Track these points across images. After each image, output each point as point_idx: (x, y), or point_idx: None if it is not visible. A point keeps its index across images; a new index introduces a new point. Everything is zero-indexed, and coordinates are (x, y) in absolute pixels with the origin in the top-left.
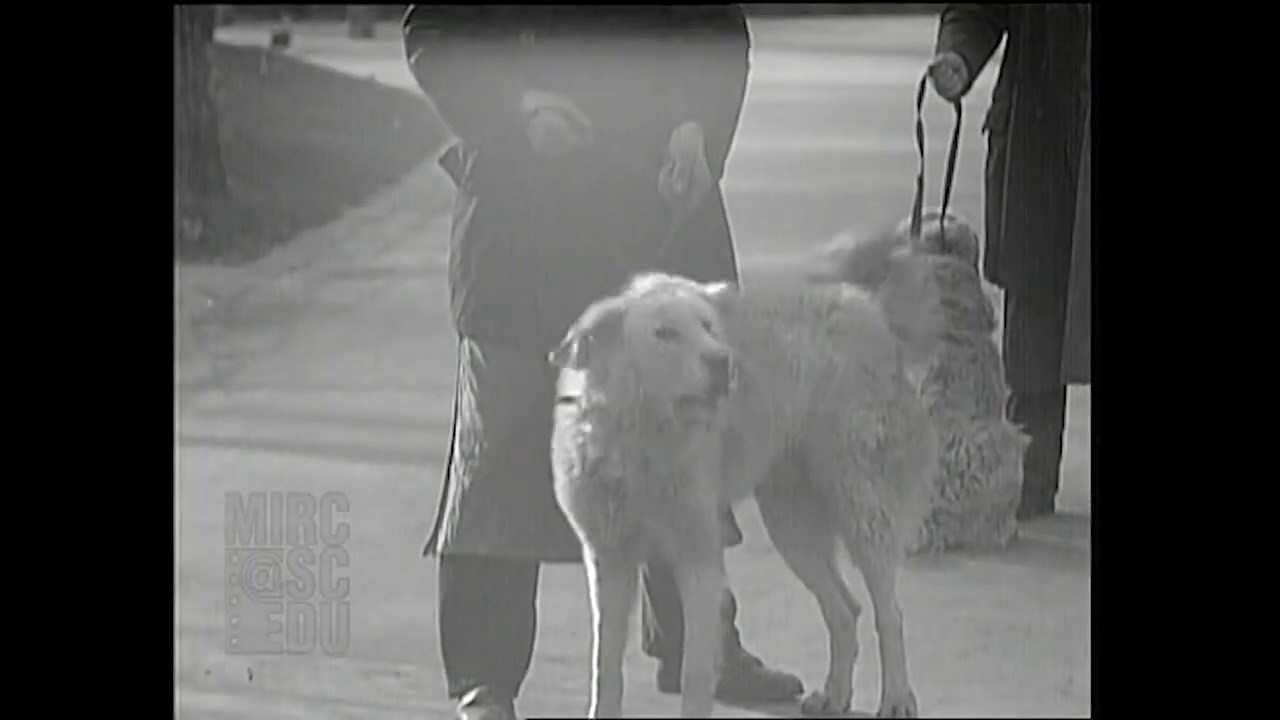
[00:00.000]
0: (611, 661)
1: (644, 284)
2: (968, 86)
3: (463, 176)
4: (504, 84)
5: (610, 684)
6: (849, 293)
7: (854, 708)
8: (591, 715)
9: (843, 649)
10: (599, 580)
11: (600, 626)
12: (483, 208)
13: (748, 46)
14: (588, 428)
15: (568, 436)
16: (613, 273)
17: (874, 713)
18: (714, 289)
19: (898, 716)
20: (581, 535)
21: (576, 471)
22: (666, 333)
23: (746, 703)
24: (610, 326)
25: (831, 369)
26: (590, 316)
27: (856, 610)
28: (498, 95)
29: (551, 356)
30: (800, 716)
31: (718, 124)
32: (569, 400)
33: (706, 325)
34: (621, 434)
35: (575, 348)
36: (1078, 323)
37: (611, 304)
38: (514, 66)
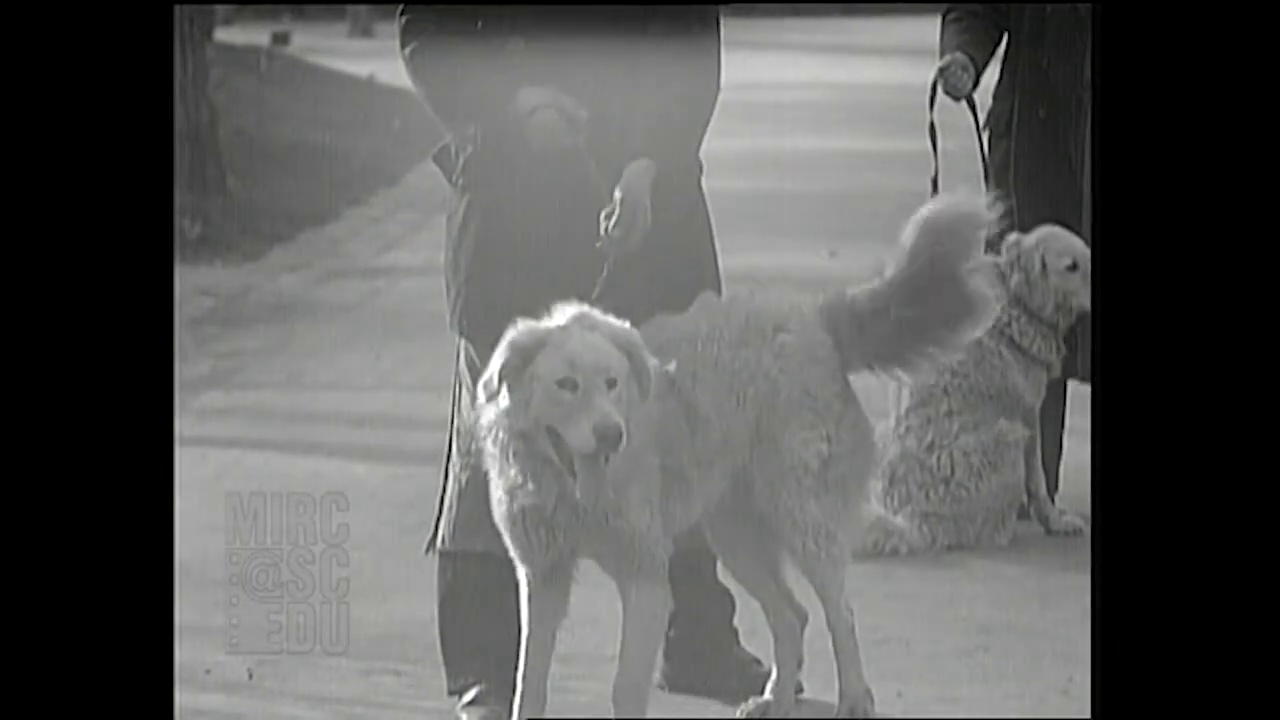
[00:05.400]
0: (536, 676)
1: (564, 315)
2: (975, 86)
3: (454, 173)
4: (498, 79)
5: (533, 699)
6: (795, 312)
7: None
8: None
9: (788, 657)
10: (530, 597)
11: (529, 640)
12: (474, 205)
13: (719, 64)
14: (492, 450)
15: (495, 469)
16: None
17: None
18: (629, 330)
19: (855, 716)
20: (515, 556)
21: (505, 501)
22: (568, 383)
23: (743, 701)
24: (520, 362)
25: (776, 393)
26: (507, 347)
27: (803, 618)
28: (492, 91)
29: (481, 392)
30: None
31: (679, 148)
32: (472, 429)
33: (611, 383)
34: (520, 462)
35: (497, 380)
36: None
37: (526, 337)
38: (507, 62)
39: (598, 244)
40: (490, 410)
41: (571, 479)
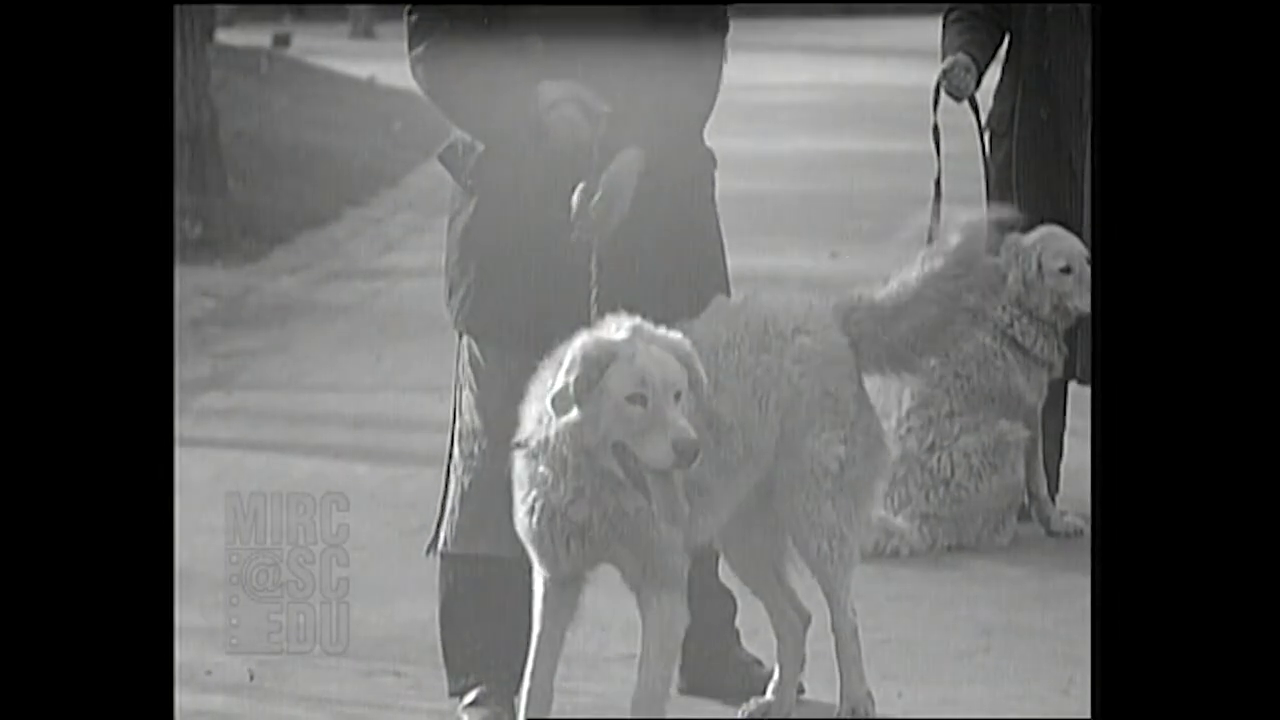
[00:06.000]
0: (544, 676)
1: (620, 326)
2: (977, 86)
3: (463, 173)
4: (516, 76)
5: (539, 699)
6: (812, 314)
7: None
8: None
9: (790, 657)
10: (545, 596)
11: (539, 639)
12: (483, 205)
13: (721, 68)
14: (544, 470)
15: (526, 479)
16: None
17: (834, 713)
18: (682, 340)
19: (856, 716)
20: (536, 561)
21: (539, 514)
22: (637, 399)
23: (744, 702)
24: (595, 376)
25: (798, 396)
26: (582, 361)
27: (806, 620)
28: (510, 87)
29: (551, 404)
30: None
31: (669, 147)
32: (520, 446)
33: (678, 396)
34: (578, 478)
35: (573, 391)
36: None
37: (597, 350)
38: (523, 59)
39: (576, 216)
40: (550, 425)
41: (639, 494)
